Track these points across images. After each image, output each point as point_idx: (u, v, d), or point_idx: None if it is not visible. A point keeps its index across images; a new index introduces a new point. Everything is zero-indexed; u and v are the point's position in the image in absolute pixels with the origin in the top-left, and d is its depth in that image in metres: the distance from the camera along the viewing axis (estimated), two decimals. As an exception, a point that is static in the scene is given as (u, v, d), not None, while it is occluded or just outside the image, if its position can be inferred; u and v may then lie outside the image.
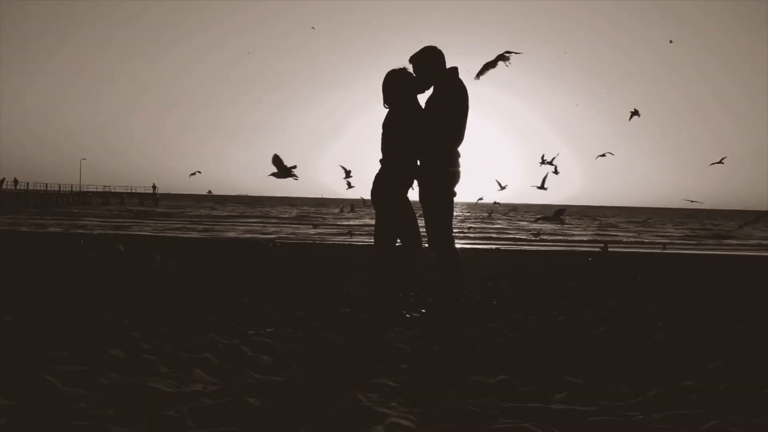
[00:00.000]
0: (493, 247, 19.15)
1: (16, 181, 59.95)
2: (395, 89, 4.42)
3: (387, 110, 4.48)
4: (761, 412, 2.46)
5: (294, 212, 58.27)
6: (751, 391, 2.74)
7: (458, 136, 4.30)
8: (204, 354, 3.37)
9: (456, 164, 4.35)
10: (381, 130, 4.48)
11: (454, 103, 4.28)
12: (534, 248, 18.41)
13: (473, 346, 3.77)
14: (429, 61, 4.38)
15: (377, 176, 4.47)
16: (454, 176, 4.35)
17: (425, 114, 4.36)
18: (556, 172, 8.74)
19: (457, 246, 4.63)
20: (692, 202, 10.53)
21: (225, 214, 50.00)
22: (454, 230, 4.55)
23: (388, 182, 4.41)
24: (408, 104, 4.41)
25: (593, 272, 9.35)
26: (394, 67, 4.46)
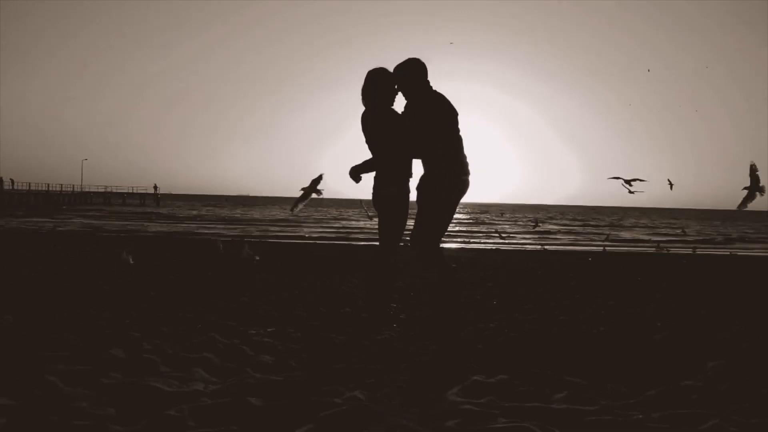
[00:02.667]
0: (493, 247, 19.16)
1: (12, 182, 60.10)
2: (375, 89, 4.41)
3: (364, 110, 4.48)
4: (761, 412, 2.46)
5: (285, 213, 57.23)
6: (751, 391, 2.74)
7: (421, 146, 4.31)
8: (204, 354, 3.37)
9: (451, 172, 4.33)
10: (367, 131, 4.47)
11: (424, 115, 4.28)
12: (534, 248, 18.41)
13: (473, 346, 3.78)
14: (404, 73, 4.39)
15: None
16: (442, 181, 4.32)
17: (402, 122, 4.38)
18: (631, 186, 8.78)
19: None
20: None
21: (210, 213, 49.03)
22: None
23: (380, 181, 4.42)
24: (386, 107, 4.43)
25: (593, 272, 9.35)
26: (375, 67, 4.46)
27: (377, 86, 4.40)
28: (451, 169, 4.31)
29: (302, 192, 5.07)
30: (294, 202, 5.12)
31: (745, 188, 5.94)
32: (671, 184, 8.88)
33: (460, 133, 4.41)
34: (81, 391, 2.59)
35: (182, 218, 40.56)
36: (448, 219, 4.39)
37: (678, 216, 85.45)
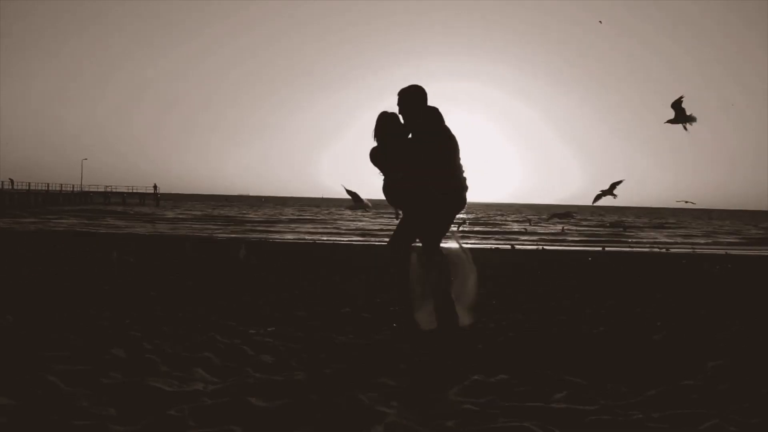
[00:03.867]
0: (493, 246, 19.17)
1: (12, 182, 60.13)
2: (385, 132, 4.42)
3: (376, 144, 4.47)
4: (761, 412, 2.47)
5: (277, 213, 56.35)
6: (751, 391, 2.74)
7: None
8: (205, 353, 3.38)
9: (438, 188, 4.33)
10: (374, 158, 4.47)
11: (424, 147, 4.29)
12: (534, 248, 18.40)
13: (473, 346, 3.78)
14: (408, 101, 4.37)
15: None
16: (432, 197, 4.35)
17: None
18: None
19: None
20: (686, 202, 10.44)
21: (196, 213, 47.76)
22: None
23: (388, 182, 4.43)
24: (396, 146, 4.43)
25: (593, 272, 9.35)
26: (385, 110, 4.44)
27: (382, 130, 4.39)
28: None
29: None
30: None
31: (668, 121, 5.71)
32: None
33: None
34: (81, 391, 2.60)
35: (184, 219, 40.39)
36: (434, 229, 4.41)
37: (676, 216, 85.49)
